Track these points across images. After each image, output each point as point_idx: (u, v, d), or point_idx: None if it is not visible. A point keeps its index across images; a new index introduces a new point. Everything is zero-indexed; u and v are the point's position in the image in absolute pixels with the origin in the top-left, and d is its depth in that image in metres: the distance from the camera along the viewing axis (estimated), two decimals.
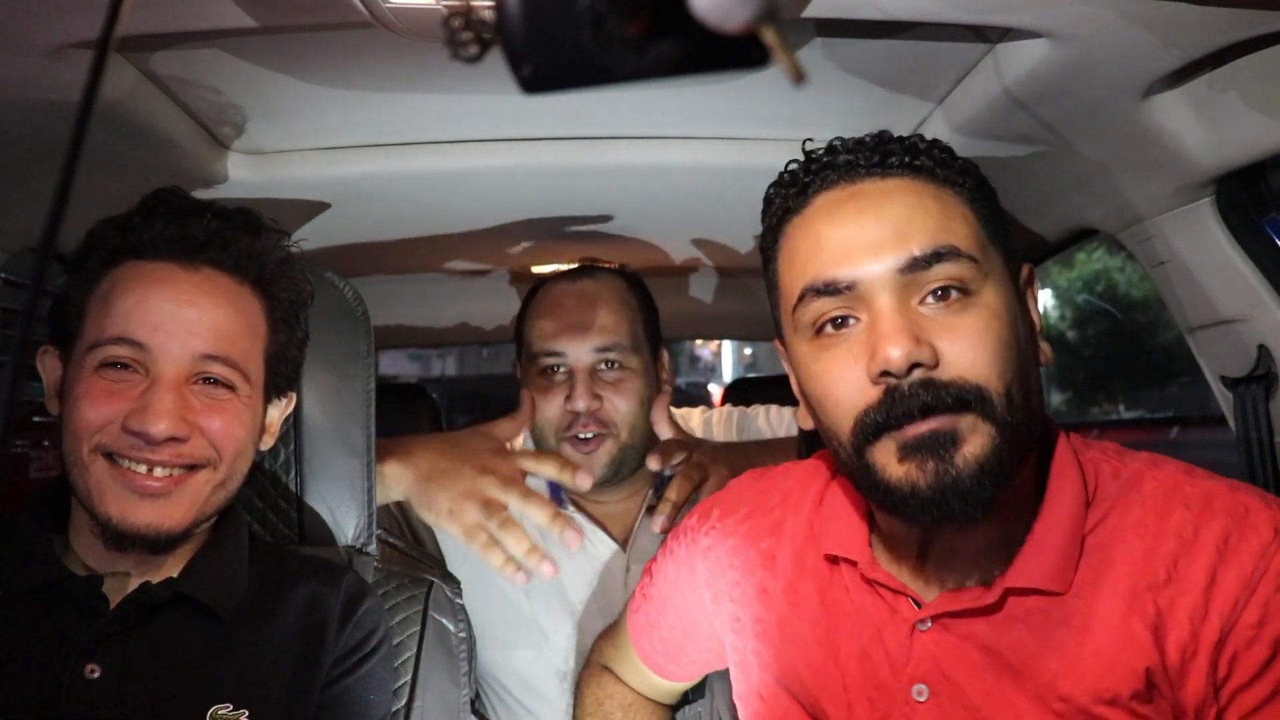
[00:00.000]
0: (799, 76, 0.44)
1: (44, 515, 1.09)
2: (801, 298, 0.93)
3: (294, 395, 1.22)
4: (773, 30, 0.43)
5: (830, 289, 0.91)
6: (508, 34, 0.45)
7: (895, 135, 0.98)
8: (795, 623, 1.07)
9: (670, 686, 1.36)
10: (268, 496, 1.28)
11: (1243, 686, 0.84)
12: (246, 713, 1.04)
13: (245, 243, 1.10)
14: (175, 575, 1.08)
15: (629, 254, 2.14)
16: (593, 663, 1.44)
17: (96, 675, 1.00)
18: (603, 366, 1.64)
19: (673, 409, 1.85)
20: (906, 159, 0.94)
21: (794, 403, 1.05)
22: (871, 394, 0.89)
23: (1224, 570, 0.85)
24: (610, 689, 1.39)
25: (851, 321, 0.92)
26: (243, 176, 1.49)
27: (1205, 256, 1.32)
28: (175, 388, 1.03)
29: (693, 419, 1.89)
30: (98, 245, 1.08)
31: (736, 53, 0.45)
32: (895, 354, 0.86)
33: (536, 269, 2.30)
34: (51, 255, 0.50)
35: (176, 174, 1.37)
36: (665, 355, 1.77)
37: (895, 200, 0.92)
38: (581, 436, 1.63)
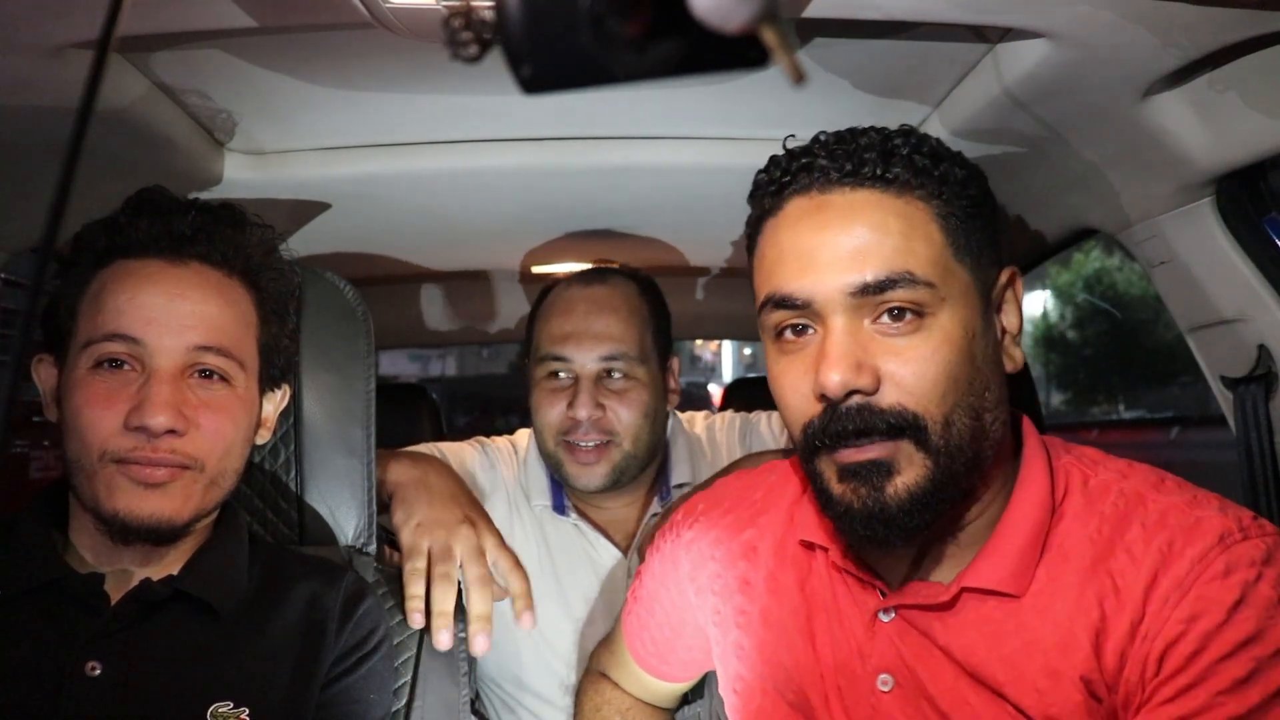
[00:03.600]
0: (799, 76, 0.44)
1: (44, 514, 1.09)
2: (764, 305, 0.95)
3: (288, 389, 1.22)
4: (773, 30, 0.43)
5: (787, 303, 0.92)
6: (508, 34, 0.45)
7: (880, 134, 0.95)
8: (776, 612, 1.08)
9: (667, 689, 1.36)
10: (268, 496, 1.28)
11: (1167, 679, 0.84)
12: (246, 710, 1.04)
13: (230, 236, 1.10)
14: (175, 573, 1.08)
15: (629, 254, 2.14)
16: (591, 670, 1.44)
17: (97, 673, 1.00)
18: (608, 375, 1.64)
19: (676, 412, 1.85)
20: (878, 170, 0.92)
21: None
22: (815, 409, 0.91)
23: (1163, 573, 0.86)
24: (608, 695, 1.39)
25: (809, 332, 0.93)
26: (242, 177, 1.50)
27: (1205, 256, 1.32)
28: (172, 380, 1.03)
29: (695, 424, 1.89)
30: (86, 247, 1.08)
31: (736, 53, 0.45)
32: (833, 380, 0.88)
33: (537, 269, 2.30)
34: (51, 255, 0.50)
35: (176, 174, 1.37)
36: (675, 363, 1.76)
37: (859, 217, 0.91)
38: (583, 446, 1.62)
